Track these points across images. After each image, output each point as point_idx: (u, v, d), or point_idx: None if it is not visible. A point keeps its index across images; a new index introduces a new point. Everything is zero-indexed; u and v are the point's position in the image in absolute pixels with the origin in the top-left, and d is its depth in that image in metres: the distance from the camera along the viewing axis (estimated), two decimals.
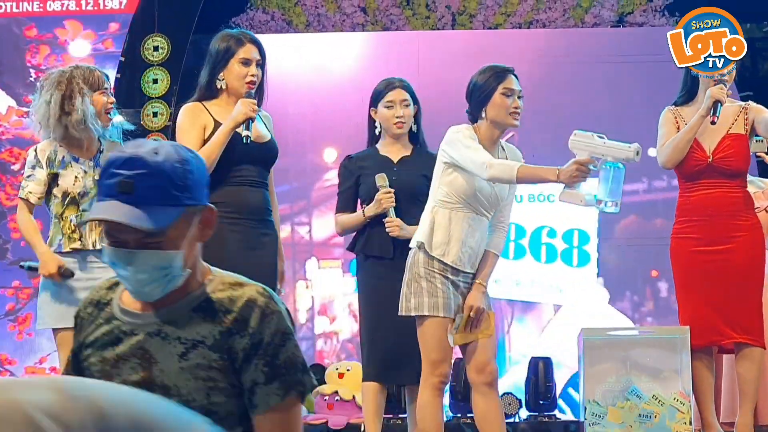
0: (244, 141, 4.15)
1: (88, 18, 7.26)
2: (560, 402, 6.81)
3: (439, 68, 7.28)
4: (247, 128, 4.16)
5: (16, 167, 7.07)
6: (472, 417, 4.63)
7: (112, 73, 6.57)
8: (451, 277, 4.09)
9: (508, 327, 7.39)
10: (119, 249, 2.07)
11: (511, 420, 6.30)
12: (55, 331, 4.32)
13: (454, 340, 4.10)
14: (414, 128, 4.67)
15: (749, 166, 4.81)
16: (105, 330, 2.18)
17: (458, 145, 4.09)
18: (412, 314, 4.09)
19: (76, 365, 2.23)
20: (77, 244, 4.34)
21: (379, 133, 4.67)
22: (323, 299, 7.54)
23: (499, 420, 4.14)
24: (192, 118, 4.25)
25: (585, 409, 4.86)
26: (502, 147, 4.26)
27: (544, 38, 7.73)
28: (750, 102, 4.82)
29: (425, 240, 4.09)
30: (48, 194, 4.39)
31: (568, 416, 6.77)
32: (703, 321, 4.67)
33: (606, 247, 7.35)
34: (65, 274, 4.27)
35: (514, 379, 7.05)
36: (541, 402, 6.46)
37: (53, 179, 4.38)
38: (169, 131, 6.85)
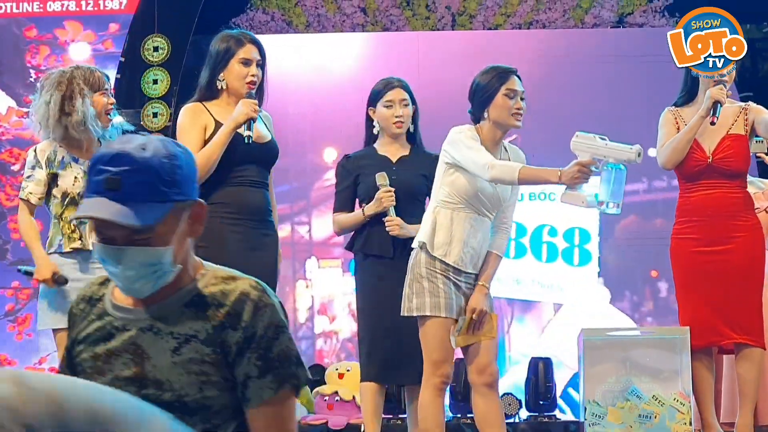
0: (246, 141, 4.15)
1: (88, 18, 7.26)
2: (560, 402, 6.80)
3: (439, 68, 7.28)
4: (249, 128, 4.16)
5: (16, 168, 7.07)
6: (472, 417, 4.63)
7: (112, 74, 6.56)
8: (453, 277, 4.08)
9: (508, 327, 7.38)
10: (108, 246, 2.06)
11: (511, 420, 6.29)
12: (55, 331, 4.33)
13: (457, 342, 4.09)
14: (411, 128, 4.67)
15: (749, 166, 4.80)
16: (97, 326, 2.18)
17: (460, 146, 4.08)
18: (414, 314, 4.08)
19: (69, 362, 2.23)
20: (77, 244, 4.34)
21: (377, 132, 4.67)
22: (323, 299, 7.54)
23: (500, 420, 4.14)
24: (192, 119, 4.24)
25: (585, 409, 4.86)
26: (505, 148, 4.25)
27: (544, 39, 7.73)
28: (750, 102, 4.82)
29: (427, 240, 4.08)
30: (48, 195, 4.40)
31: (568, 416, 6.76)
32: (703, 321, 4.66)
33: (606, 247, 7.35)
34: (59, 280, 4.28)
35: (514, 380, 7.04)
36: (541, 402, 6.45)
37: (53, 180, 4.38)
38: (169, 132, 6.84)
